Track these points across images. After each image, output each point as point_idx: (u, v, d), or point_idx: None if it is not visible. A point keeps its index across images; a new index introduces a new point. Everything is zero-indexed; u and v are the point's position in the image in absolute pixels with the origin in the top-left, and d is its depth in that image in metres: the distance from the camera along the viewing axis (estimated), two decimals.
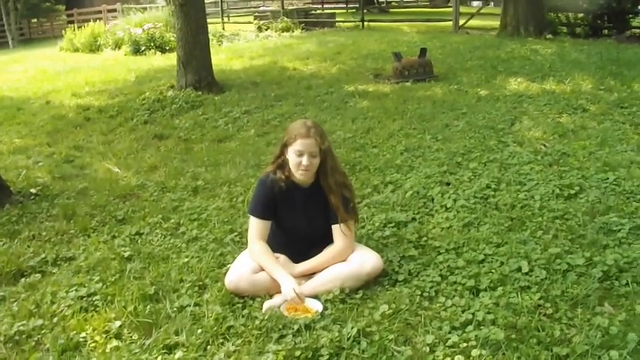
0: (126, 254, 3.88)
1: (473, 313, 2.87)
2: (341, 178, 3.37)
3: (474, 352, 2.57)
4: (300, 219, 3.36)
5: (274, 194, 3.31)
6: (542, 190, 4.41)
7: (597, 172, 4.73)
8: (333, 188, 3.31)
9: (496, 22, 15.57)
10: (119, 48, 16.90)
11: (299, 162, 3.23)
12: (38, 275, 3.71)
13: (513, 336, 2.69)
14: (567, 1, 15.71)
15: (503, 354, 2.57)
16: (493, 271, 3.28)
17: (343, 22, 21.87)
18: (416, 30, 17.64)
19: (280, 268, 3.21)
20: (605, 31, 15.11)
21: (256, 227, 3.35)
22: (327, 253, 3.34)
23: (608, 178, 4.56)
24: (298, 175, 3.29)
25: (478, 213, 4.13)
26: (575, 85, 8.20)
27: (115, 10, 24.35)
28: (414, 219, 4.16)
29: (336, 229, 3.33)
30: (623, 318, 2.77)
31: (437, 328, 2.82)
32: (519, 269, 3.27)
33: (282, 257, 3.35)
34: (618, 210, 3.99)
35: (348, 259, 3.28)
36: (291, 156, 3.28)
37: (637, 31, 14.75)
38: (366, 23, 19.79)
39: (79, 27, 20.15)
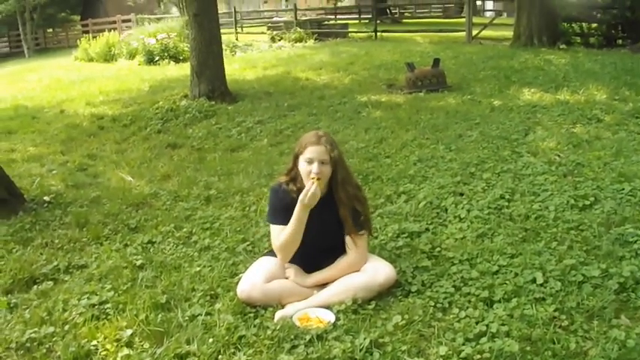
0: (138, 263, 3.87)
1: (487, 325, 2.84)
2: (353, 191, 3.34)
3: None
4: (313, 230, 3.33)
5: (287, 203, 3.29)
6: (557, 200, 4.37)
7: (612, 182, 4.68)
8: (343, 200, 3.29)
9: (509, 33, 15.55)
10: (133, 58, 17.03)
11: (309, 170, 3.22)
12: (50, 283, 3.71)
13: (528, 348, 2.65)
14: (581, 11, 15.66)
15: None
16: (507, 282, 3.25)
17: (356, 32, 21.93)
18: (429, 40, 17.65)
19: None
20: (620, 41, 15.04)
21: (278, 234, 3.33)
22: (340, 264, 3.32)
23: (623, 189, 4.50)
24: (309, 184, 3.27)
25: (492, 224, 4.10)
26: (589, 95, 8.15)
27: (129, 20, 24.59)
28: (427, 229, 4.13)
29: (349, 241, 3.31)
30: None
31: (450, 339, 2.78)
32: (534, 280, 3.23)
33: (294, 267, 3.33)
34: (634, 221, 3.94)
35: (361, 270, 3.26)
36: (302, 165, 3.26)
37: None
38: (378, 34, 19.85)
39: (93, 37, 20.37)
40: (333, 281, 3.26)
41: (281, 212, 3.31)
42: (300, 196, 3.18)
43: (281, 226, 3.30)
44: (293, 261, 3.34)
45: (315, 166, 3.20)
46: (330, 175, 3.26)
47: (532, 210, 4.26)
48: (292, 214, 3.24)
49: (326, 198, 3.29)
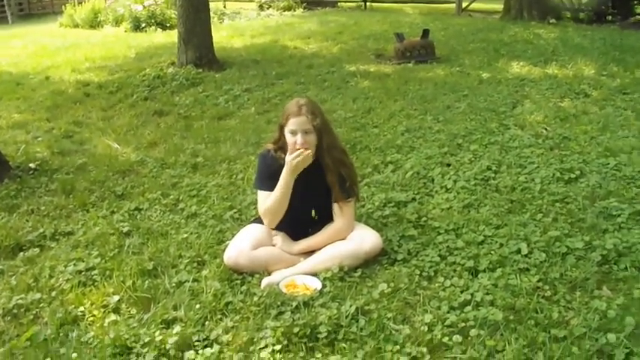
0: (125, 229, 3.87)
1: (471, 294, 2.88)
2: (339, 156, 3.35)
3: (472, 332, 2.59)
4: (301, 197, 3.34)
5: (275, 169, 3.29)
6: (543, 173, 4.40)
7: (598, 156, 4.73)
8: (330, 166, 3.29)
9: (499, 6, 15.46)
10: (119, 24, 16.75)
11: (294, 141, 3.22)
12: (37, 249, 3.71)
13: (511, 317, 2.70)
14: None
15: (501, 335, 2.59)
16: (492, 252, 3.29)
17: (345, 1, 21.69)
18: (418, 11, 17.53)
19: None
20: (609, 17, 15.01)
21: (264, 199, 3.34)
22: (327, 231, 3.34)
23: (609, 163, 4.55)
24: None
25: (478, 195, 4.13)
26: (577, 70, 8.16)
27: None
28: (414, 199, 4.15)
29: (336, 208, 3.32)
30: (621, 302, 2.79)
31: (435, 307, 2.82)
32: (519, 251, 3.28)
33: (281, 234, 3.35)
34: (618, 195, 3.99)
35: (347, 238, 3.28)
36: (287, 136, 3.26)
37: None
38: (368, 4, 19.64)
39: (79, 3, 19.97)
40: (319, 249, 3.28)
41: (268, 178, 3.33)
42: (288, 157, 3.18)
43: (268, 192, 3.31)
44: (280, 228, 3.36)
45: (299, 137, 3.20)
46: (315, 142, 3.26)
47: (518, 182, 4.29)
48: (278, 180, 3.25)
49: (313, 165, 3.29)
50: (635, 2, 15.53)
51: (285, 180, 3.23)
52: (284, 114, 3.30)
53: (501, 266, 3.14)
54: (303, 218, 3.40)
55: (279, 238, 3.34)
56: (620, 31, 12.32)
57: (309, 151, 3.20)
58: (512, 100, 6.71)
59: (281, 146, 3.35)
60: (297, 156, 3.17)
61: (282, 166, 3.26)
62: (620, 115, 6.00)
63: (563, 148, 5.00)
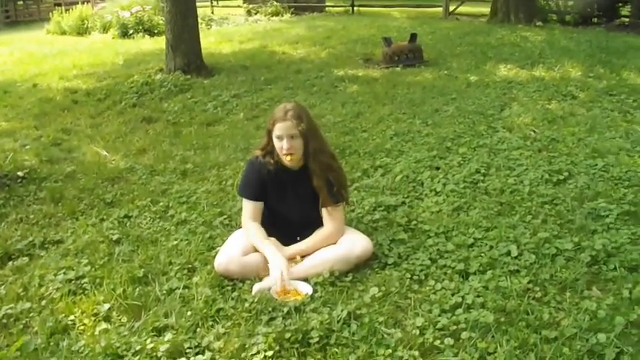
0: (114, 237, 3.85)
1: (462, 297, 2.89)
2: (327, 160, 3.34)
3: (464, 335, 2.59)
4: (290, 202, 3.35)
5: (263, 176, 3.30)
6: (532, 175, 4.43)
7: (586, 158, 4.76)
8: (317, 171, 3.29)
9: (486, 9, 15.57)
10: (107, 31, 16.70)
11: (280, 146, 3.23)
12: (26, 258, 3.68)
13: (502, 319, 2.71)
14: None
15: (493, 337, 2.59)
16: (482, 254, 3.30)
17: (333, 6, 21.78)
18: (406, 15, 17.61)
19: (273, 249, 3.20)
20: (595, 20, 15.12)
21: (248, 209, 3.36)
22: (316, 236, 3.34)
23: (596, 165, 4.58)
24: (284, 158, 3.28)
25: (468, 197, 4.15)
26: (564, 72, 8.22)
27: None
28: (403, 203, 4.16)
29: (325, 213, 3.33)
30: (610, 302, 2.80)
31: (427, 310, 2.83)
32: (509, 253, 3.29)
33: (272, 240, 3.34)
34: (607, 196, 4.02)
35: (337, 242, 3.28)
36: (274, 141, 3.27)
37: (626, 19, 14.79)
38: (355, 8, 19.73)
39: (66, 10, 19.89)
40: (310, 253, 3.28)
41: (253, 185, 3.35)
42: (273, 279, 3.09)
43: (250, 201, 3.33)
44: (271, 233, 3.35)
45: (285, 142, 3.21)
46: (302, 147, 3.26)
47: (507, 184, 4.31)
48: (266, 188, 3.30)
49: (301, 170, 3.30)
50: (620, 5, 15.66)
51: (265, 253, 3.22)
52: (271, 119, 3.31)
53: (492, 268, 3.15)
54: (293, 224, 3.40)
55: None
56: (606, 34, 12.43)
57: (292, 155, 3.22)
58: (500, 102, 6.74)
59: (269, 151, 3.35)
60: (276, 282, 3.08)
61: (269, 172, 3.29)
62: (607, 116, 6.04)
63: (552, 149, 5.03)
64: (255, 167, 3.37)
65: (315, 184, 3.29)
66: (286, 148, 3.21)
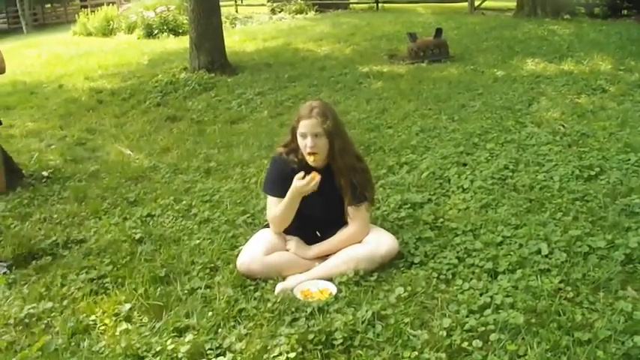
0: (137, 236, 3.83)
1: (491, 297, 2.79)
2: (350, 161, 3.26)
3: (493, 337, 2.49)
4: (313, 201, 3.27)
5: (287, 173, 3.23)
6: (562, 171, 4.30)
7: (618, 153, 4.60)
8: (341, 170, 3.22)
9: (512, 3, 15.36)
10: (132, 32, 16.85)
11: (305, 144, 3.17)
12: (49, 258, 3.69)
13: (533, 320, 2.61)
14: None
15: (523, 338, 2.49)
16: (512, 253, 3.19)
17: (357, 3, 21.69)
18: (431, 11, 17.47)
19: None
20: (625, 11, 14.83)
21: (272, 206, 3.29)
22: (341, 235, 3.27)
23: (629, 159, 4.43)
24: (307, 158, 3.21)
25: (496, 194, 4.04)
26: (593, 65, 8.04)
27: None
28: (430, 200, 4.07)
29: (350, 211, 3.26)
30: None
31: (454, 311, 2.74)
32: (539, 252, 3.18)
33: (295, 239, 3.28)
34: None
35: (363, 241, 3.21)
36: (299, 139, 3.21)
37: None
38: (380, 4, 19.62)
39: (92, 11, 20.10)
40: (334, 253, 3.21)
41: (278, 183, 3.28)
42: (298, 182, 3.11)
43: (277, 198, 3.26)
44: (294, 232, 3.30)
45: (309, 141, 3.15)
46: (327, 146, 3.19)
47: (536, 180, 4.19)
48: (289, 185, 3.19)
49: (326, 169, 3.23)
50: None
51: (290, 199, 3.17)
52: (296, 116, 3.25)
53: (521, 267, 3.05)
54: (317, 222, 3.33)
55: (292, 243, 3.28)
56: (637, 25, 12.17)
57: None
58: (527, 97, 6.60)
59: (293, 149, 3.29)
60: (305, 183, 3.10)
61: (292, 170, 3.21)
62: None
63: (582, 144, 4.89)
64: (279, 165, 3.32)
65: (340, 183, 3.23)
66: (310, 147, 3.15)
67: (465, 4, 17.20)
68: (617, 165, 4.36)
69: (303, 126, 3.16)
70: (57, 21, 30.97)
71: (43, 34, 23.29)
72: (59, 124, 7.36)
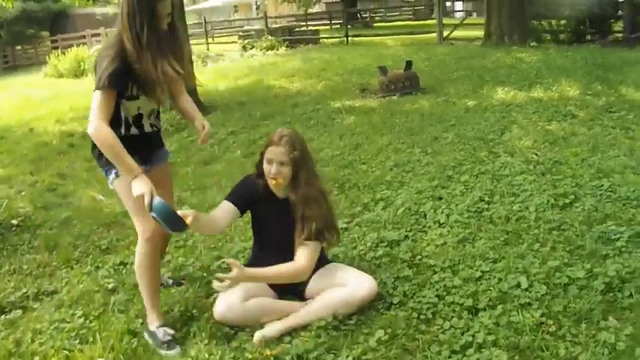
0: (110, 286, 3.74)
1: (473, 335, 2.75)
2: (313, 193, 3.17)
3: None
4: (273, 230, 3.26)
5: (252, 191, 3.25)
6: (537, 200, 4.30)
7: (591, 179, 4.62)
8: (298, 202, 3.16)
9: (480, 32, 15.60)
10: None
11: (269, 170, 3.15)
12: (19, 311, 3.58)
13: (517, 357, 2.58)
14: (549, 8, 15.77)
15: None
16: (491, 288, 3.16)
17: (327, 38, 21.93)
18: (400, 43, 17.68)
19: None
20: (589, 37, 15.16)
21: (222, 209, 3.25)
22: (282, 267, 3.11)
23: (602, 185, 4.45)
24: (269, 181, 3.18)
25: (472, 228, 4.02)
26: (562, 91, 8.15)
27: (99, 35, 24.26)
28: (406, 237, 4.02)
29: (298, 247, 3.16)
30: (629, 332, 2.66)
31: (436, 352, 2.69)
32: (519, 285, 3.15)
33: (237, 263, 3.05)
34: (616, 217, 3.89)
35: (341, 284, 3.12)
36: (264, 164, 3.19)
37: (619, 35, 14.80)
38: (350, 38, 19.85)
39: (63, 52, 20.04)
40: (269, 281, 3.18)
41: (238, 191, 3.30)
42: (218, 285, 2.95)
43: (230, 205, 3.22)
44: (256, 261, 3.27)
45: (273, 167, 3.13)
46: (290, 175, 3.16)
47: (512, 211, 4.18)
48: (248, 200, 3.25)
49: (286, 199, 3.21)
50: (612, 20, 15.71)
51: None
52: (267, 142, 3.21)
53: (502, 303, 3.01)
54: (278, 252, 3.21)
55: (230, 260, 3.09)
56: (601, 50, 12.41)
57: (277, 180, 3.14)
58: (499, 126, 6.64)
59: (261, 172, 3.26)
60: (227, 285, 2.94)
61: (258, 192, 3.23)
62: (609, 134, 5.93)
63: (555, 172, 4.91)
64: (248, 180, 3.32)
65: (296, 214, 3.17)
66: (273, 173, 3.13)
67: (434, 34, 17.45)
68: (591, 191, 4.38)
69: (271, 152, 3.14)
70: (28, 62, 30.80)
71: (14, 76, 23.16)
72: (29, 169, 7.24)
